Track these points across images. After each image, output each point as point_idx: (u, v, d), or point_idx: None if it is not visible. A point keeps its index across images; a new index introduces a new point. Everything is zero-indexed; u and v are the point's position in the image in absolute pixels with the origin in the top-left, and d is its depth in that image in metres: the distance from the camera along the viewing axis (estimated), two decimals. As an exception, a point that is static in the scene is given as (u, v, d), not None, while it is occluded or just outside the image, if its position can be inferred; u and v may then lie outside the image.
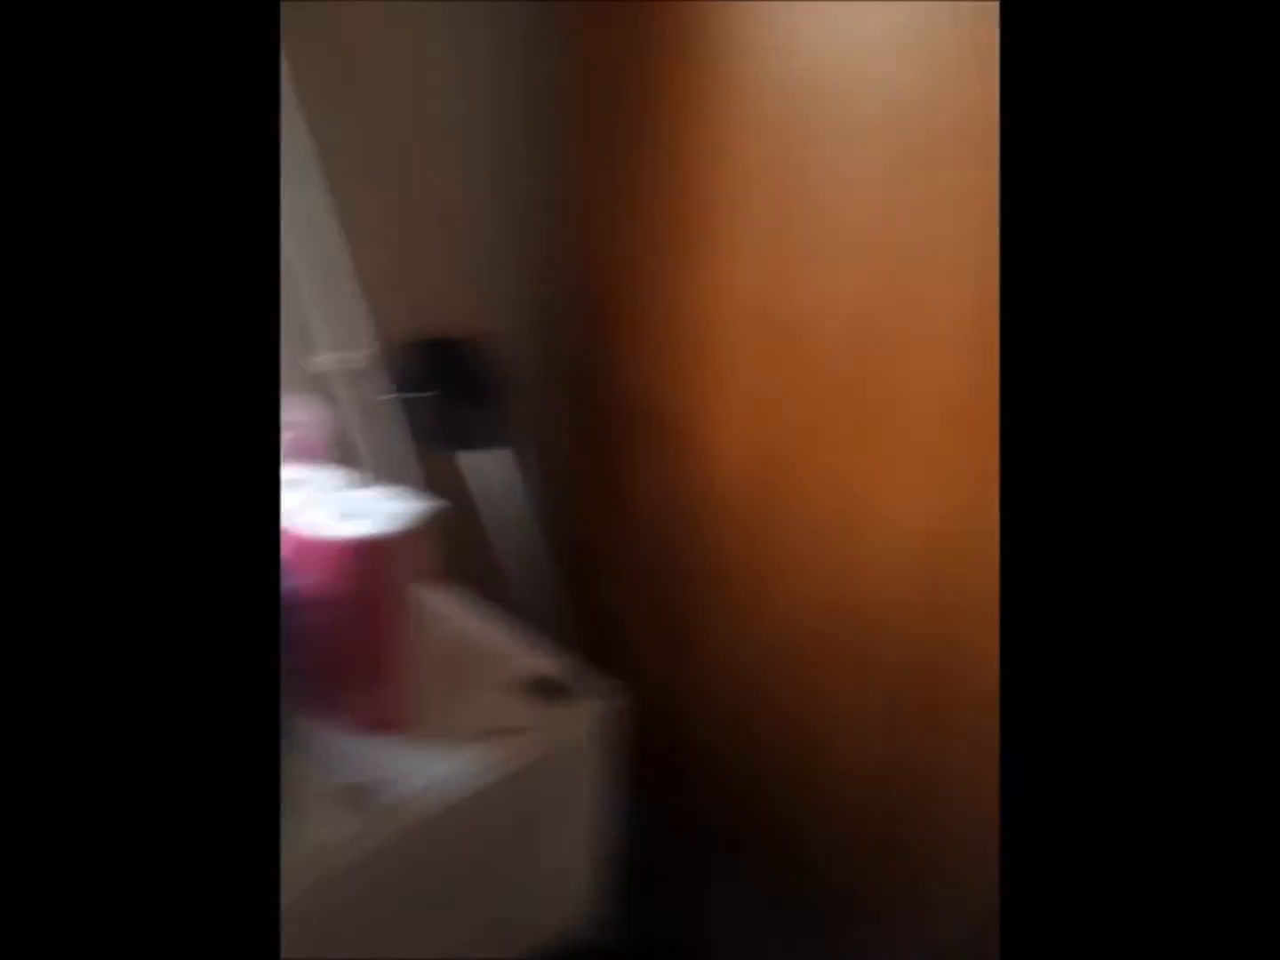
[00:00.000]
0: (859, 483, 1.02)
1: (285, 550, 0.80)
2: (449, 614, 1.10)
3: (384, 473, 1.05)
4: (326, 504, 0.85)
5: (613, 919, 1.23)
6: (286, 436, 0.91)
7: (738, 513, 1.16)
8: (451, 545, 1.13)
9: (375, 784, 0.86)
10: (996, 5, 0.66)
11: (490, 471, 1.14)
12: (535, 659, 1.04)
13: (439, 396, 1.09)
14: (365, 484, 0.90)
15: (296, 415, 0.93)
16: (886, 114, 0.85)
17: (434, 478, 1.13)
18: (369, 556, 0.84)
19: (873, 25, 0.82)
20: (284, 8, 0.83)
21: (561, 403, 1.35)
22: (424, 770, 0.88)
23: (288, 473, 0.90)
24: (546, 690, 1.00)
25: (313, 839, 0.80)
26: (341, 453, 0.99)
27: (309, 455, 0.93)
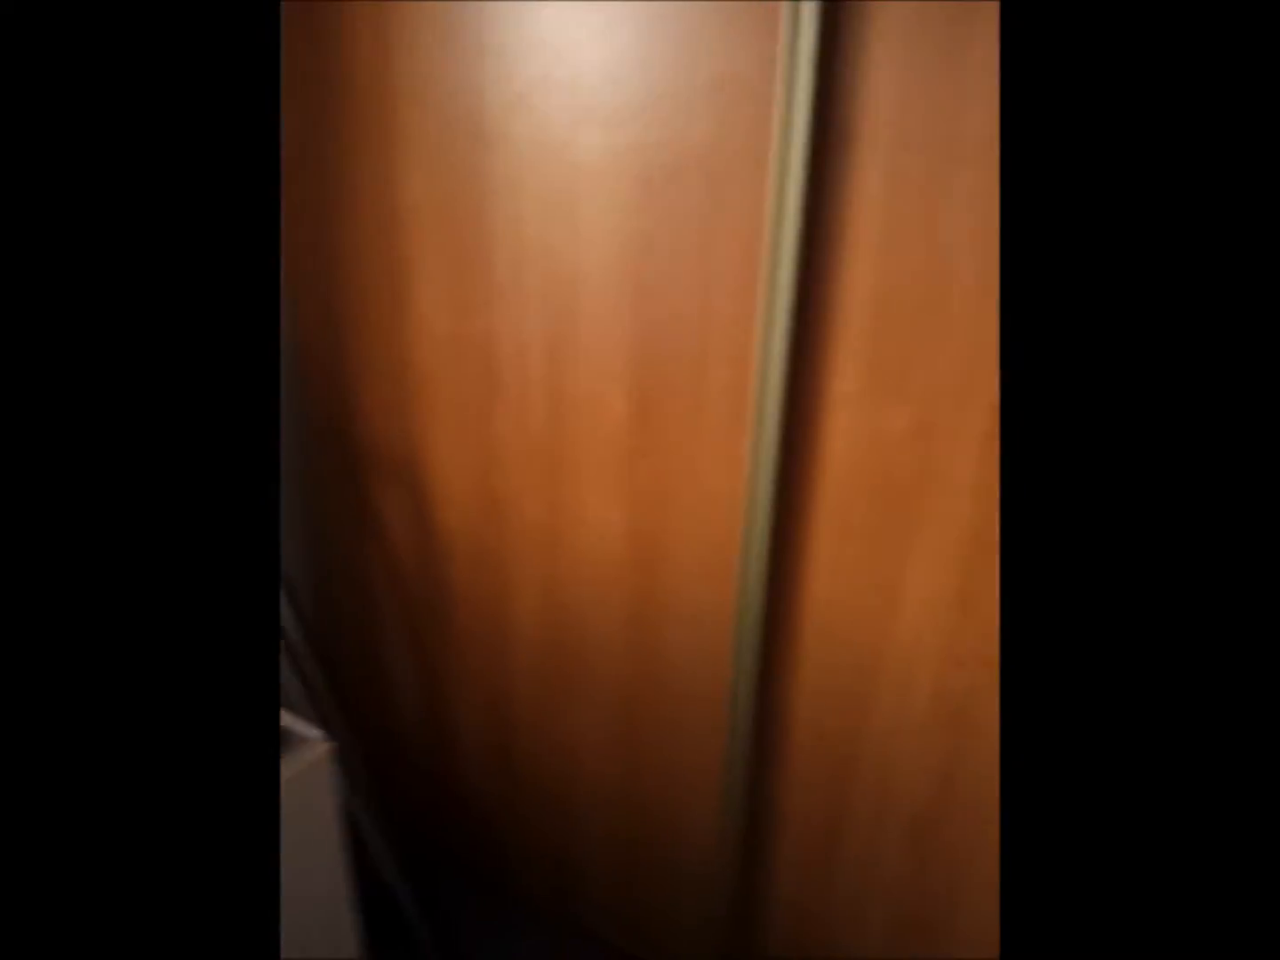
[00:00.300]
0: (563, 509, 1.07)
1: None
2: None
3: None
4: None
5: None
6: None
7: (471, 548, 1.19)
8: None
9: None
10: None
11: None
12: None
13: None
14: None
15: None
16: (537, 156, 0.92)
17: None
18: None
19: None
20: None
21: (311, 451, 1.33)
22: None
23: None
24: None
25: None
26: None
27: None
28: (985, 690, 0.86)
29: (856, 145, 0.74)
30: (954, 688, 0.87)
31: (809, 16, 0.71)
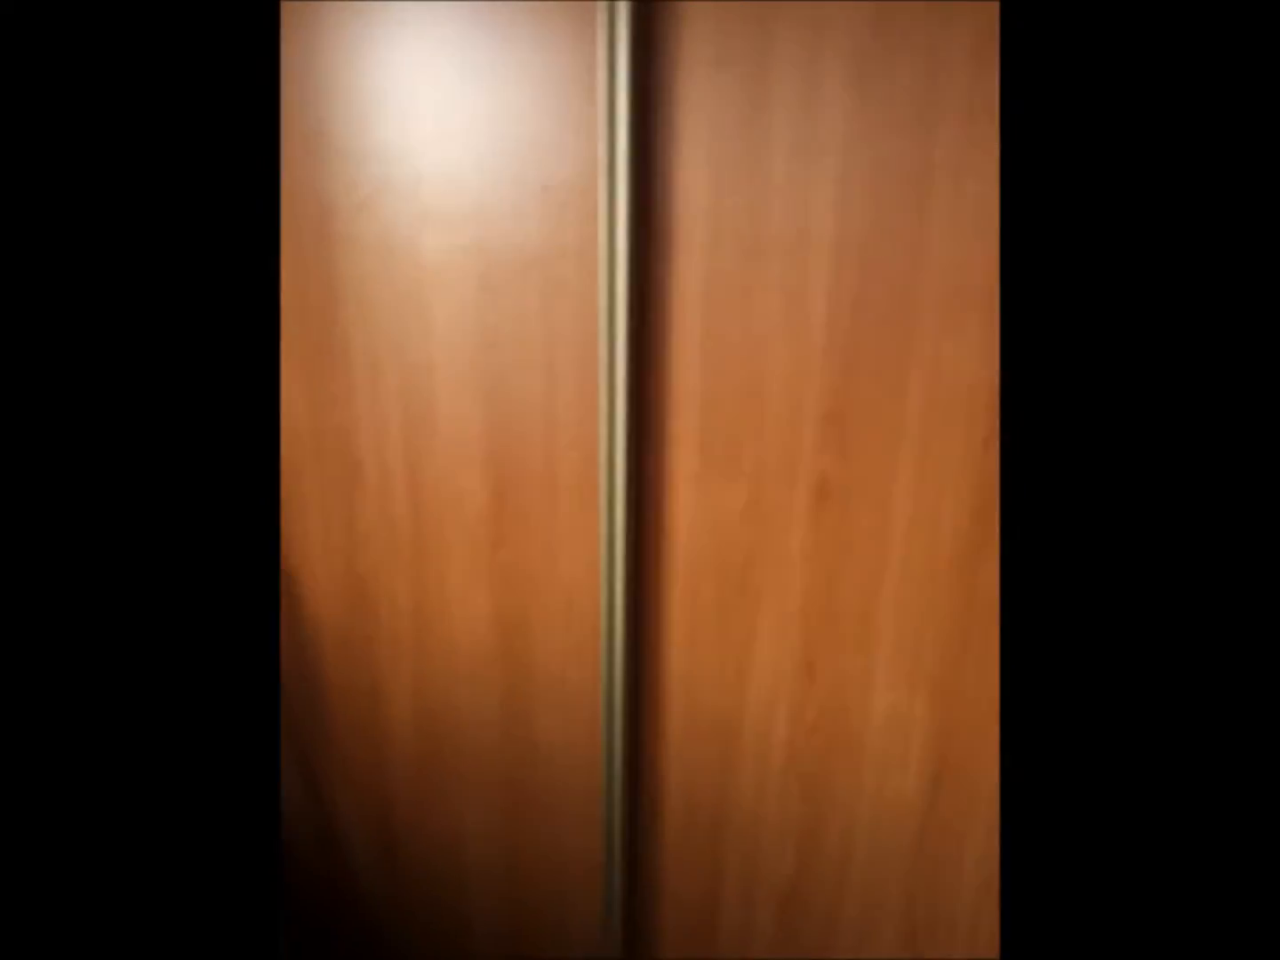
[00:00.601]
0: (430, 597, 1.08)
1: None
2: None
3: None
4: None
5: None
6: None
7: (341, 639, 1.18)
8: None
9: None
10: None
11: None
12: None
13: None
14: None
15: None
16: (385, 256, 0.95)
17: None
18: None
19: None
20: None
21: None
22: None
23: None
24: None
25: None
26: None
27: None
28: (837, 755, 0.89)
29: (675, 244, 0.79)
30: (806, 753, 0.90)
31: (623, 125, 0.76)
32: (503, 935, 1.25)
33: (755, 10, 0.71)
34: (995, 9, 0.65)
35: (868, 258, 0.73)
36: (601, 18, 0.74)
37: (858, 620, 0.83)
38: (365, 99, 0.90)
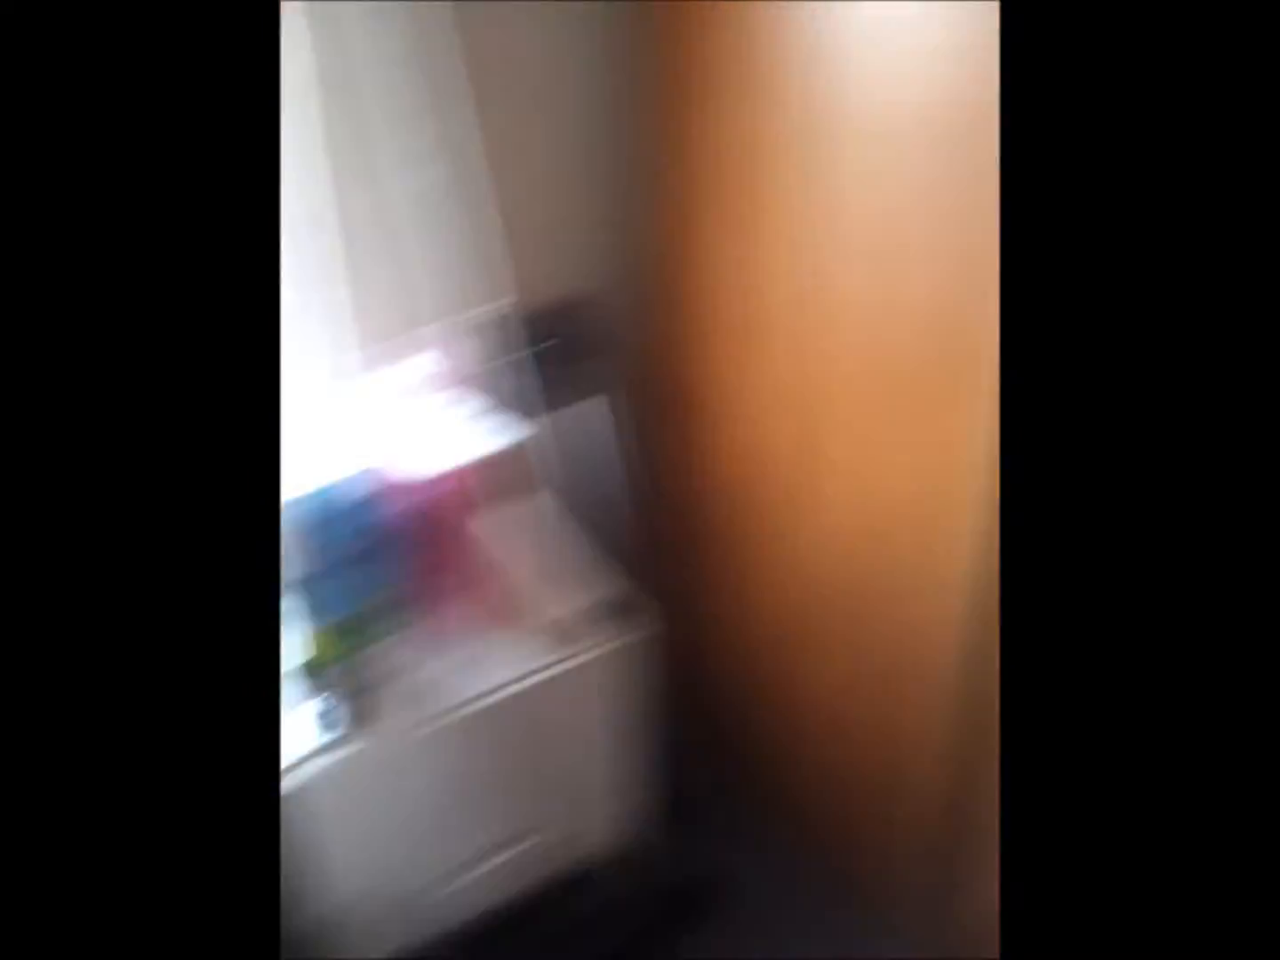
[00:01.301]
0: (875, 463, 1.06)
1: (403, 472, 1.00)
2: (540, 529, 1.22)
3: (502, 410, 1.14)
4: (451, 430, 1.04)
5: (646, 843, 1.30)
6: (427, 371, 1.09)
7: (771, 480, 1.21)
8: (547, 475, 1.23)
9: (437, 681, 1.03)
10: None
11: (587, 416, 1.28)
12: (603, 580, 1.16)
13: (552, 349, 1.20)
14: (483, 416, 1.08)
15: (434, 356, 1.10)
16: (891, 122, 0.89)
17: (543, 421, 1.22)
18: (474, 475, 1.03)
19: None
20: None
21: (644, 362, 1.40)
22: (488, 671, 1.05)
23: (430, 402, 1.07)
24: (608, 611, 1.12)
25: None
26: (471, 390, 1.13)
27: (444, 389, 1.10)
28: None
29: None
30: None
31: None
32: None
33: None
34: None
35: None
36: None
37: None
38: None
